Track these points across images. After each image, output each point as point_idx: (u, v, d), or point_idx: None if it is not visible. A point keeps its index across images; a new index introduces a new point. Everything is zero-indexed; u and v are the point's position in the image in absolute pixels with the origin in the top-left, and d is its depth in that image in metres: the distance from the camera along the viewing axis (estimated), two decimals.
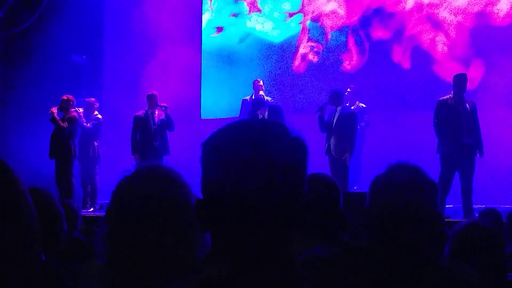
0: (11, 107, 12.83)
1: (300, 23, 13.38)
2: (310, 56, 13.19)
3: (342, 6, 13.02)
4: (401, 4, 12.55)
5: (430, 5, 12.32)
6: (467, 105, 8.77)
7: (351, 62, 12.79)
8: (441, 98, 8.90)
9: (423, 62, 12.21)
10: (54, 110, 10.19)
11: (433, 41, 12.22)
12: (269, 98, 11.45)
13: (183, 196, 1.70)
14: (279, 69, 13.30)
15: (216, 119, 12.22)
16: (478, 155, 8.73)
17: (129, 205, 1.69)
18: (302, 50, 13.29)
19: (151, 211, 1.66)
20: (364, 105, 11.42)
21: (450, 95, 8.84)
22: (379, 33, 12.62)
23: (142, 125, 10.58)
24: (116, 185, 1.75)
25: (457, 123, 8.65)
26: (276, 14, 13.63)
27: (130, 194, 1.70)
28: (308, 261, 2.09)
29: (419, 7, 12.40)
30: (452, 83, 8.92)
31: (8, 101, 12.92)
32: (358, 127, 10.44)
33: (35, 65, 12.96)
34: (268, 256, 1.21)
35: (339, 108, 9.75)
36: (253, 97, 11.37)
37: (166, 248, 1.65)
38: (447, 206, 8.86)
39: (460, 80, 8.83)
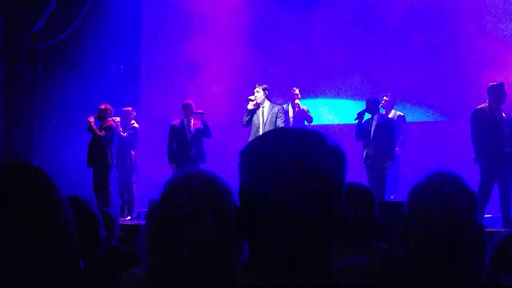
0: (50, 116, 12.98)
1: None
2: None
3: None
4: None
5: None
6: (503, 113, 8.64)
7: None
8: (477, 107, 8.76)
9: (464, 70, 12.05)
10: (92, 119, 10.27)
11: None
12: (305, 107, 11.37)
13: (226, 204, 1.70)
14: None
15: None
16: None
17: (173, 209, 1.69)
18: None
19: (195, 215, 1.66)
20: (401, 114, 11.33)
21: (486, 104, 8.71)
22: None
23: (178, 134, 10.60)
24: (163, 186, 1.74)
25: (497, 132, 8.51)
26: None
27: (177, 197, 1.70)
28: (345, 270, 2.08)
29: None
30: (487, 92, 8.78)
31: (47, 110, 13.08)
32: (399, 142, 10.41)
33: (73, 74, 13.10)
34: (305, 265, 1.20)
35: (376, 116, 9.69)
36: (290, 106, 11.31)
37: (207, 253, 1.65)
38: (485, 215, 8.72)
39: (498, 90, 8.69)
